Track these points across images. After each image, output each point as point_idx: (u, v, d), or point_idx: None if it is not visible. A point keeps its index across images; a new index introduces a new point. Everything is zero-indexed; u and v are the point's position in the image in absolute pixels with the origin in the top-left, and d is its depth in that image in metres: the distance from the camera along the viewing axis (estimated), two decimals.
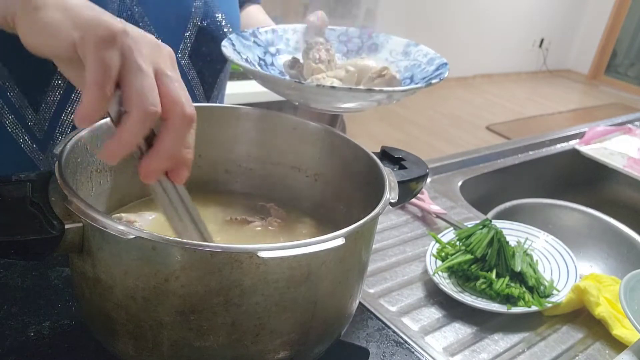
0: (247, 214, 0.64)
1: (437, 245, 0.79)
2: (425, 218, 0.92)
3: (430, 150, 3.53)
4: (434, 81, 0.63)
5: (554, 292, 0.72)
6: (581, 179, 1.35)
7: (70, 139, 0.49)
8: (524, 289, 0.71)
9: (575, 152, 1.36)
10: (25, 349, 0.53)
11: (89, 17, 0.38)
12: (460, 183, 1.08)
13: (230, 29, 0.78)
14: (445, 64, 0.68)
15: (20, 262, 0.63)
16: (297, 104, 0.65)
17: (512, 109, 4.74)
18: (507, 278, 0.71)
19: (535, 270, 0.74)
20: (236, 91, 1.91)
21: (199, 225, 0.49)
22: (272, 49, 0.74)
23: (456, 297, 0.69)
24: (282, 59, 0.73)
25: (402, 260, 0.79)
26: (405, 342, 0.63)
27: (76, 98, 0.68)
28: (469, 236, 0.76)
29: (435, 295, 0.72)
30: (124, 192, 0.60)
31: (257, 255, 0.39)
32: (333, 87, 0.57)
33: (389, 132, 3.76)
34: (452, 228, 0.85)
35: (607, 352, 0.67)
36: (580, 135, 1.42)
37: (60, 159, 0.46)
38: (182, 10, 0.73)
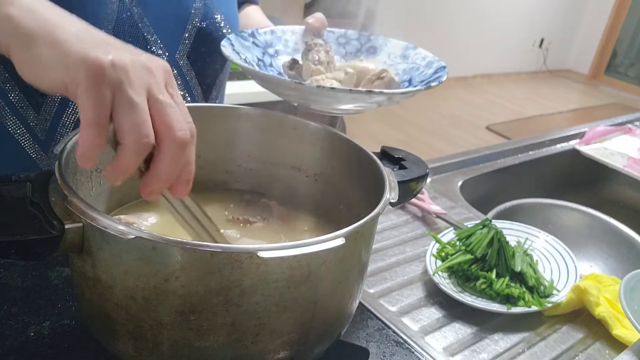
0: (248, 213, 0.64)
1: (437, 245, 0.79)
2: (425, 218, 0.92)
3: (430, 151, 3.53)
4: (433, 84, 0.64)
5: (554, 292, 0.72)
6: (581, 179, 1.35)
7: (71, 138, 0.49)
8: (524, 289, 0.71)
9: (575, 152, 1.36)
10: (25, 349, 0.53)
11: (77, 55, 0.38)
12: (460, 183, 1.08)
13: (229, 30, 0.78)
14: (444, 67, 0.68)
15: (20, 262, 0.63)
16: (296, 104, 0.65)
17: (512, 109, 4.74)
18: (507, 278, 0.71)
19: (535, 270, 0.74)
20: (236, 91, 1.90)
21: (210, 230, 0.50)
22: (270, 50, 0.74)
23: (456, 297, 0.69)
24: (281, 60, 0.74)
25: (402, 260, 0.79)
26: (405, 342, 0.63)
27: None
28: (469, 236, 0.76)
29: (435, 295, 0.72)
30: (124, 192, 0.60)
31: (257, 255, 0.39)
32: (333, 89, 0.57)
33: (389, 132, 3.76)
34: (452, 228, 0.85)
35: (607, 352, 0.67)
36: (580, 135, 1.42)
37: (60, 158, 0.46)
38: (181, 11, 0.73)
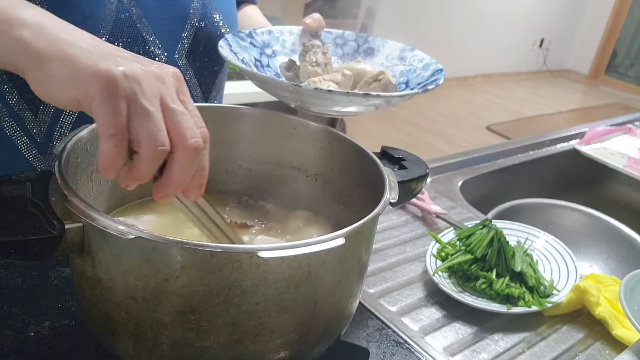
0: (246, 216, 0.64)
1: (437, 245, 0.79)
2: (425, 218, 0.92)
3: (430, 150, 3.53)
4: (430, 87, 0.64)
5: (554, 292, 0.72)
6: (581, 179, 1.35)
7: (70, 139, 0.49)
8: (524, 289, 0.71)
9: (575, 152, 1.36)
10: (25, 349, 0.53)
11: (88, 69, 0.39)
12: (460, 183, 1.08)
13: (228, 30, 0.78)
14: (441, 69, 0.68)
15: (20, 262, 0.63)
16: (292, 105, 0.65)
17: (512, 109, 4.74)
18: (507, 278, 0.71)
19: (535, 270, 0.74)
20: (235, 91, 1.91)
21: (225, 230, 0.51)
22: (268, 51, 0.74)
23: (456, 297, 0.69)
24: (278, 61, 0.74)
25: (402, 260, 0.79)
26: (405, 342, 0.63)
27: None
28: (469, 236, 0.76)
29: (435, 295, 0.72)
30: (124, 192, 0.60)
31: (257, 255, 0.39)
32: (330, 91, 0.57)
33: (389, 132, 3.76)
34: (452, 228, 0.85)
35: (607, 352, 0.67)
36: (580, 135, 1.42)
37: (60, 159, 0.46)
38: (180, 11, 0.73)
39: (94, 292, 0.44)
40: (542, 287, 0.72)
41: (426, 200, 0.95)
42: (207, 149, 0.43)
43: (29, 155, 0.69)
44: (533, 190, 1.23)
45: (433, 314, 0.69)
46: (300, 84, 0.61)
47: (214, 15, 0.76)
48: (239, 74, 1.89)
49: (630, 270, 0.67)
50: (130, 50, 0.44)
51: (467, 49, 5.06)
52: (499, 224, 0.83)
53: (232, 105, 0.65)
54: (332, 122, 0.70)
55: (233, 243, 0.52)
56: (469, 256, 0.73)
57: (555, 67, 6.19)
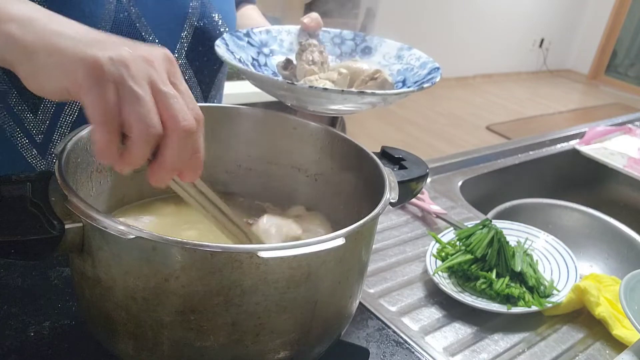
0: (247, 216, 0.64)
1: (437, 245, 0.79)
2: (425, 218, 0.92)
3: (430, 150, 3.53)
4: (426, 85, 0.64)
5: (554, 292, 0.72)
6: (581, 179, 1.35)
7: (70, 138, 0.49)
8: (524, 289, 0.71)
9: (575, 152, 1.36)
10: (25, 349, 0.53)
11: (74, 56, 0.39)
12: (460, 183, 1.08)
13: (227, 29, 0.78)
14: (438, 68, 0.68)
15: (20, 262, 0.63)
16: (289, 104, 0.65)
17: (512, 109, 4.74)
18: (507, 278, 0.71)
19: (535, 270, 0.74)
20: (235, 91, 1.90)
21: (228, 214, 0.50)
22: (265, 50, 0.74)
23: (456, 297, 0.69)
24: (276, 60, 0.74)
25: (402, 260, 0.79)
26: (405, 342, 0.63)
27: None
28: (469, 236, 0.76)
29: (435, 295, 0.72)
30: (124, 192, 0.60)
31: (257, 255, 0.39)
32: (325, 89, 0.57)
33: (389, 132, 3.76)
34: (452, 228, 0.85)
35: (607, 352, 0.67)
36: (580, 135, 1.42)
37: (60, 159, 0.46)
38: (179, 10, 0.73)
39: (94, 292, 0.44)
40: (542, 287, 0.72)
41: (426, 200, 0.95)
42: (201, 131, 0.42)
43: (28, 156, 0.69)
44: (533, 190, 1.23)
45: (433, 314, 0.69)
46: (296, 83, 0.61)
47: (213, 15, 0.76)
48: (238, 74, 1.89)
49: (630, 270, 0.67)
50: None
51: (467, 49, 5.06)
52: (499, 224, 0.83)
53: (232, 105, 0.65)
54: (332, 121, 0.70)
55: (236, 225, 0.51)
56: (469, 256, 0.73)
57: (555, 67, 6.19)
